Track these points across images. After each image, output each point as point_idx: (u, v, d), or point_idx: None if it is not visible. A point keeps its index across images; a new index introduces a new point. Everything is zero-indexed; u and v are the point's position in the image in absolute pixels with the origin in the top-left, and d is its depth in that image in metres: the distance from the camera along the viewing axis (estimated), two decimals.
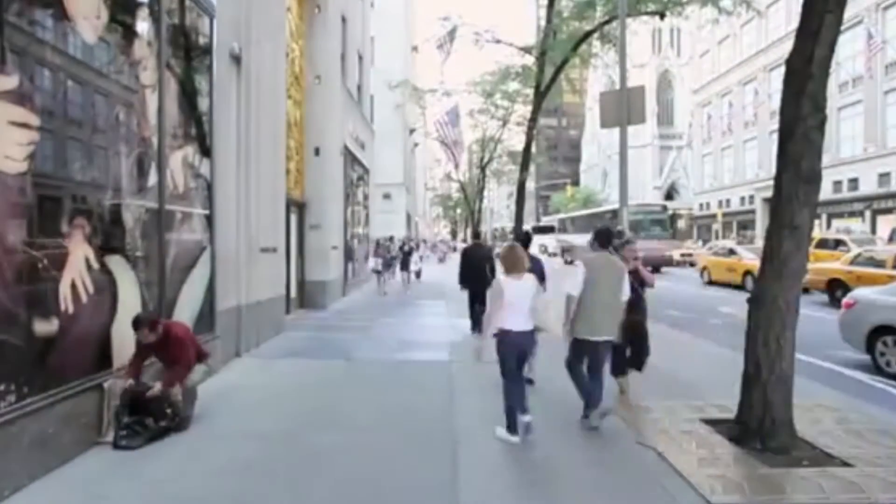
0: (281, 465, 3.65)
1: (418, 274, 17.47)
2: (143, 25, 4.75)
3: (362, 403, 5.02)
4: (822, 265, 13.18)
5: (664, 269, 24.21)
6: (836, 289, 11.91)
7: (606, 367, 4.70)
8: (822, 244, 16.62)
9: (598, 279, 4.35)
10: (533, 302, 4.25)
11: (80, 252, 3.84)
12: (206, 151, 5.95)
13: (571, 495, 3.24)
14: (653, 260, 22.89)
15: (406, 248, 16.68)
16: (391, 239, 19.35)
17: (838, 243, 16.44)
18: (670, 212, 29.12)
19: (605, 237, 4.63)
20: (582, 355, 4.53)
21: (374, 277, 15.53)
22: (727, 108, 42.37)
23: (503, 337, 4.15)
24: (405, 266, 15.85)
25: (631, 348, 5.10)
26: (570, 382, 4.59)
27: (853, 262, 12.12)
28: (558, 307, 4.66)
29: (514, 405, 4.10)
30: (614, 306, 4.42)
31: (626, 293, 4.50)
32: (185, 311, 5.42)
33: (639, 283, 5.03)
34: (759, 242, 19.70)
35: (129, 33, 4.56)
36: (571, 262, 29.70)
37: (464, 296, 8.50)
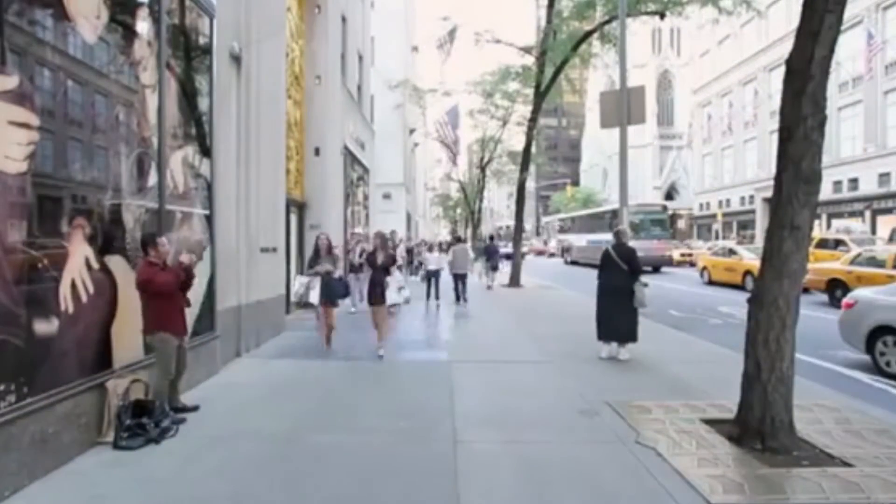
0: (281, 466, 3.65)
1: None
2: (143, 25, 4.75)
3: (362, 403, 5.03)
4: (822, 265, 13.18)
5: (664, 269, 24.18)
6: (835, 289, 11.92)
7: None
8: (822, 244, 16.62)
9: (458, 254, 13.02)
10: (439, 260, 13.09)
11: (80, 252, 3.84)
12: (206, 151, 5.95)
13: (571, 495, 3.24)
14: (652, 260, 22.79)
15: (380, 258, 7.07)
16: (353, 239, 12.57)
17: (838, 243, 16.44)
18: (670, 212, 28.97)
19: (457, 238, 16.07)
20: (456, 279, 12.62)
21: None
22: (727, 108, 42.39)
23: (427, 271, 12.99)
24: (374, 294, 7.01)
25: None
26: (566, 385, 5.59)
27: (853, 262, 12.11)
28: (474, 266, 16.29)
29: (428, 295, 12.28)
30: (464, 262, 13.05)
31: (470, 257, 15.52)
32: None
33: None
34: (759, 242, 19.68)
35: (129, 33, 4.56)
36: (574, 263, 29.73)
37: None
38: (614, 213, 22.03)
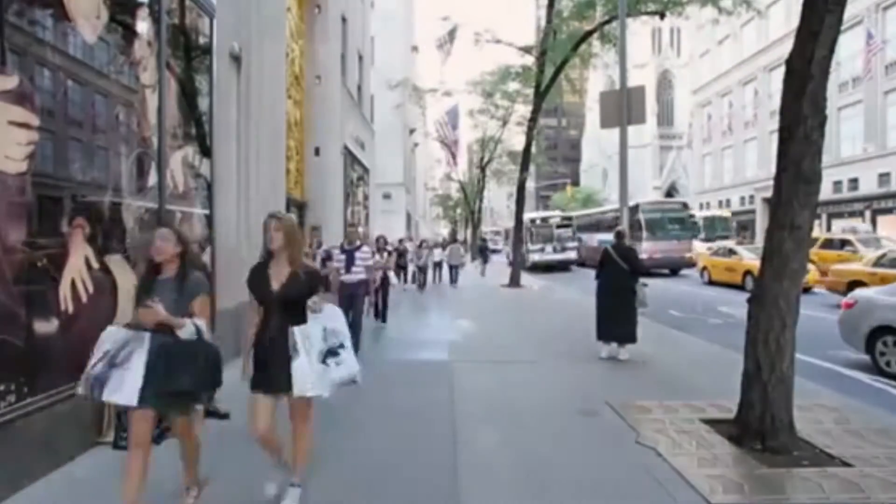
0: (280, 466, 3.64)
1: None
2: (143, 25, 4.75)
3: (362, 403, 5.02)
4: (844, 266, 12.68)
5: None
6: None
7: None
8: (828, 244, 16.44)
9: (453, 250, 18.60)
10: (442, 254, 19.36)
11: (80, 252, 3.84)
12: (206, 151, 5.95)
13: (571, 495, 3.24)
14: (671, 262, 21.21)
15: (276, 282, 3.05)
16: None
17: (844, 243, 16.28)
18: (691, 210, 26.02)
19: (454, 240, 21.83)
20: (451, 268, 18.19)
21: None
22: (727, 108, 42.37)
23: (433, 262, 18.76)
24: (265, 366, 3.02)
25: None
26: (566, 384, 5.63)
27: (877, 263, 11.67)
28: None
29: (434, 280, 18.68)
30: (458, 256, 18.46)
31: (461, 252, 19.31)
32: None
33: None
34: (759, 242, 19.46)
35: (129, 33, 4.56)
36: (581, 265, 29.39)
37: None
38: (634, 209, 20.89)
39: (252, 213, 7.13)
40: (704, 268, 18.27)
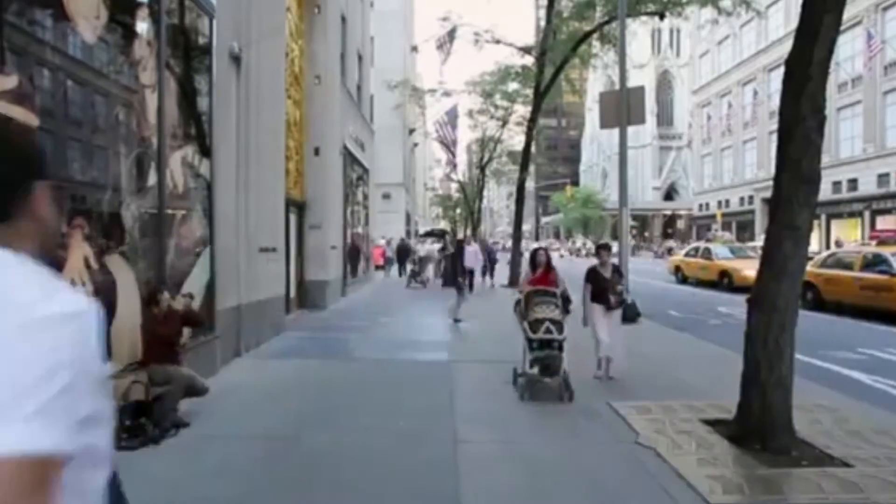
0: (281, 466, 3.65)
1: None
2: (142, 25, 4.75)
3: (362, 403, 5.02)
4: None
5: (658, 269, 23.80)
6: None
7: None
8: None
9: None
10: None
11: (80, 252, 3.84)
12: (206, 151, 5.95)
13: (571, 495, 3.24)
14: None
15: None
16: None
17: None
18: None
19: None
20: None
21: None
22: (727, 108, 42.37)
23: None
24: None
25: None
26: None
27: (823, 264, 11.66)
28: None
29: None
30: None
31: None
32: None
33: None
34: (756, 242, 19.09)
35: (129, 33, 4.56)
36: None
37: None
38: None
39: (252, 213, 7.13)
40: (678, 267, 19.28)
